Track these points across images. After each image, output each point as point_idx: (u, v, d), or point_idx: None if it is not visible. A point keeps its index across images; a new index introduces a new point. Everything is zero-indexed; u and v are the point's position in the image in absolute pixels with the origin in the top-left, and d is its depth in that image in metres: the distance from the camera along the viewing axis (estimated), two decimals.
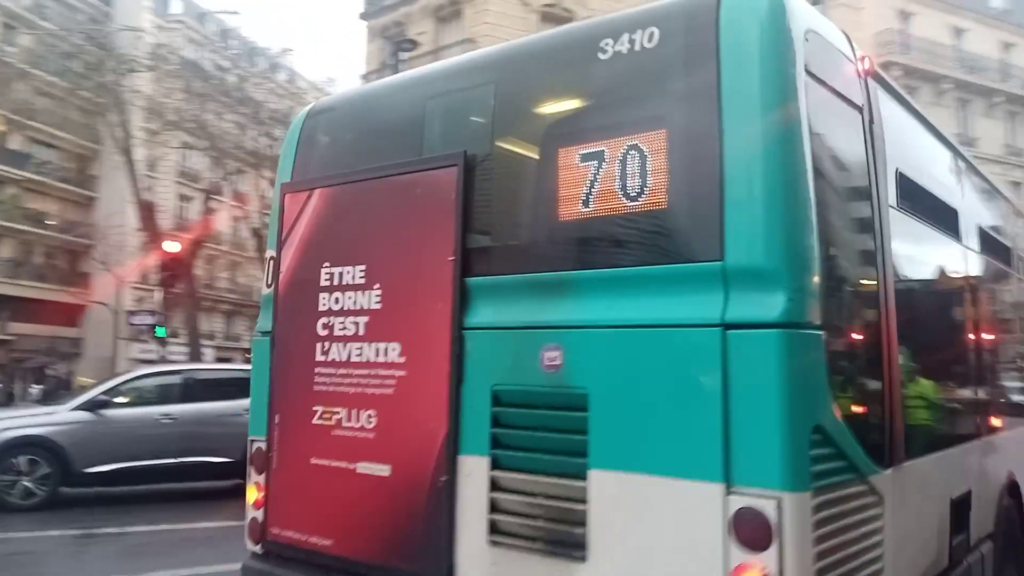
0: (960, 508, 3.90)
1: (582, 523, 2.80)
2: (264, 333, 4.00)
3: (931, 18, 34.50)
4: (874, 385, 3.09)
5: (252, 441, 3.94)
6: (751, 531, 2.48)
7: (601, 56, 3.07)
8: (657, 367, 2.75)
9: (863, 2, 32.03)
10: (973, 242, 4.76)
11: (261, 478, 3.82)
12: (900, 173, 3.45)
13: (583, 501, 2.81)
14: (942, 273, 4.38)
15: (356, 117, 4.08)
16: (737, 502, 2.51)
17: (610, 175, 2.94)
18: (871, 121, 3.25)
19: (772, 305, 2.55)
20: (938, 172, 4.39)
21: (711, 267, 2.67)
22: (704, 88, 2.78)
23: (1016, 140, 36.34)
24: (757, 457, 2.50)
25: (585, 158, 3.02)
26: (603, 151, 2.97)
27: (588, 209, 3.01)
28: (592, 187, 3.00)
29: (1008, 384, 5.60)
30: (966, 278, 4.63)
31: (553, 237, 3.18)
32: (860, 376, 3.09)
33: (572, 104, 3.29)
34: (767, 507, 2.45)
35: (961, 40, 35.18)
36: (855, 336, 3.14)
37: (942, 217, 4.24)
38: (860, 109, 3.20)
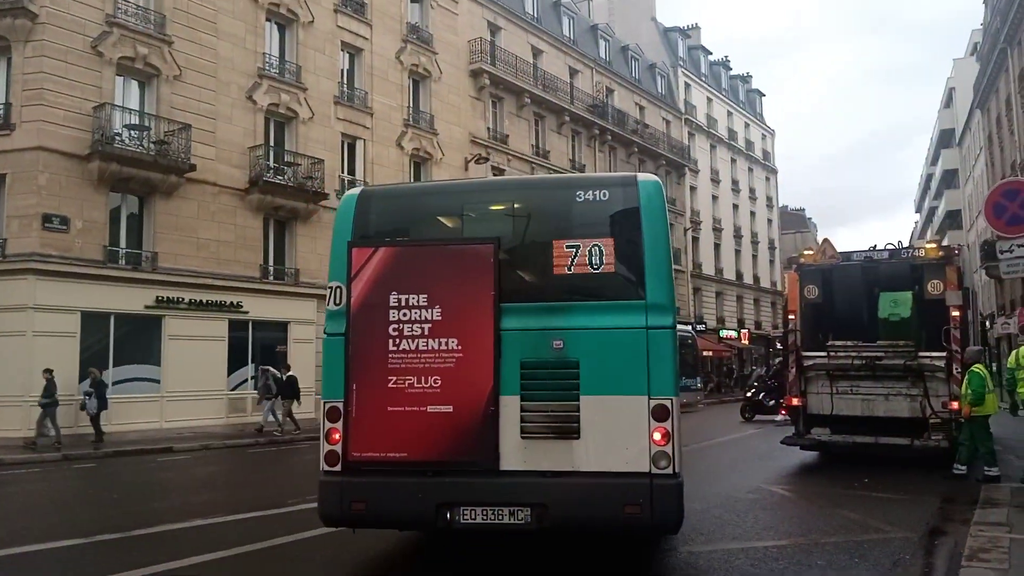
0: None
1: (577, 421, 5.86)
2: (334, 334, 6.26)
3: (516, 35, 36.77)
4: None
5: (326, 402, 6.21)
6: (661, 413, 5.79)
7: (578, 199, 6.22)
8: (615, 347, 5.92)
9: (459, 8, 32.93)
10: None
11: (337, 424, 6.12)
12: None
13: (577, 411, 5.87)
14: None
15: (410, 204, 6.92)
16: (654, 402, 5.81)
17: (584, 255, 6.03)
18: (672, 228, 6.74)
19: (666, 319, 5.97)
20: None
21: (640, 302, 5.97)
22: (634, 221, 6.08)
23: (577, 156, 40.53)
24: (662, 383, 5.84)
25: (570, 246, 6.06)
26: (580, 243, 6.06)
27: (570, 271, 6.06)
28: (573, 260, 6.05)
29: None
30: None
31: (552, 285, 6.13)
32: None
33: (562, 220, 6.29)
34: (667, 403, 5.82)
35: (539, 60, 38.11)
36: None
37: None
38: (670, 226, 7.61)
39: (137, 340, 21.69)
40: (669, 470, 5.73)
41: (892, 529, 8.22)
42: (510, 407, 5.92)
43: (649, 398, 5.79)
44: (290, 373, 21.95)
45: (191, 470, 14.89)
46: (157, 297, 21.73)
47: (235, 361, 23.85)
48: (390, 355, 6.08)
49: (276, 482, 13.59)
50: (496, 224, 6.45)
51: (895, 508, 9.43)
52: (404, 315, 6.10)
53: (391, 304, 6.13)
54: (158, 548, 7.65)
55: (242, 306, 23.78)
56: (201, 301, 22.75)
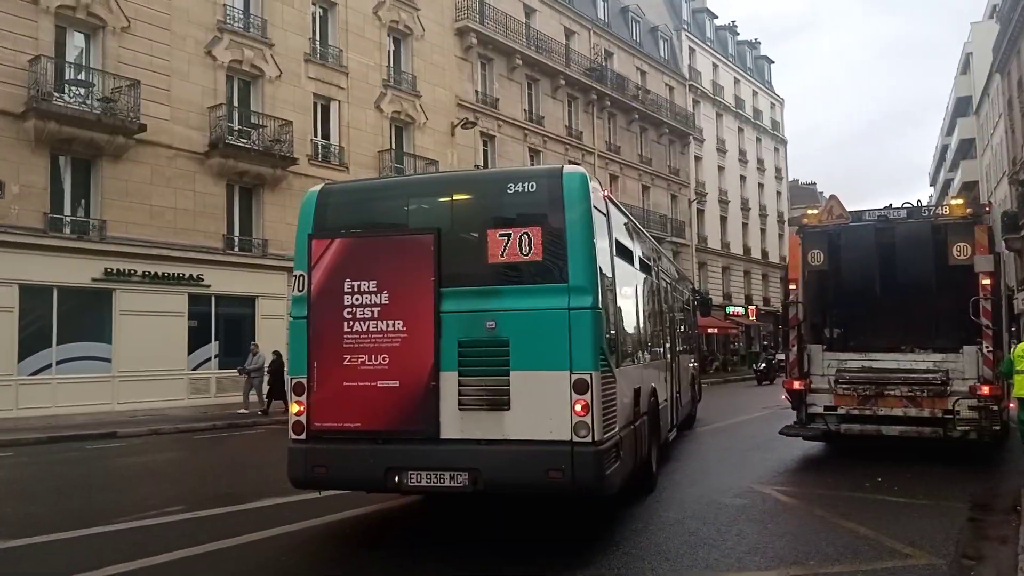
0: (636, 393, 8.34)
1: (507, 394, 6.38)
2: (299, 317, 6.95)
3: None
4: (611, 333, 7.06)
5: (292, 378, 6.96)
6: (581, 386, 6.22)
7: (508, 192, 6.79)
8: (541, 326, 6.40)
9: None
10: (646, 269, 10.29)
11: (302, 398, 6.81)
12: (617, 240, 7.89)
13: (507, 384, 6.39)
14: (635, 285, 9.27)
15: (361, 199, 7.69)
16: (575, 376, 6.24)
17: (514, 243, 6.53)
18: (606, 216, 7.43)
19: (587, 301, 6.39)
20: (627, 234, 8.91)
21: (563, 286, 6.42)
22: (558, 210, 6.57)
23: (574, 122, 38.47)
24: (582, 359, 6.26)
25: (502, 235, 6.58)
26: (510, 232, 6.57)
27: (503, 258, 6.57)
28: (505, 248, 6.55)
29: (660, 342, 11.50)
30: (645, 289, 10.14)
31: (486, 270, 6.63)
32: (609, 331, 6.96)
33: (495, 211, 6.85)
34: (587, 376, 6.23)
35: (532, 19, 35.98)
36: (607, 313, 6.93)
37: (631, 257, 9.06)
38: (604, 214, 7.32)
39: (85, 316, 20.00)
40: (589, 438, 6.24)
41: (912, 551, 6.41)
42: (449, 382, 6.54)
43: (571, 373, 6.30)
44: None
45: (124, 459, 13.21)
46: (106, 269, 20.00)
47: (197, 338, 22.15)
48: (345, 336, 6.77)
49: (215, 474, 11.89)
50: (437, 216, 7.02)
51: (915, 518, 7.62)
52: (356, 300, 6.78)
53: (345, 290, 6.81)
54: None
55: (203, 279, 22.04)
56: (156, 274, 21.01)
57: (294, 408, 6.86)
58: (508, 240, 6.53)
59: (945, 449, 11.10)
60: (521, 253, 6.50)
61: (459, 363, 6.50)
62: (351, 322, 6.73)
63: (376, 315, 6.69)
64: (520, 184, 6.75)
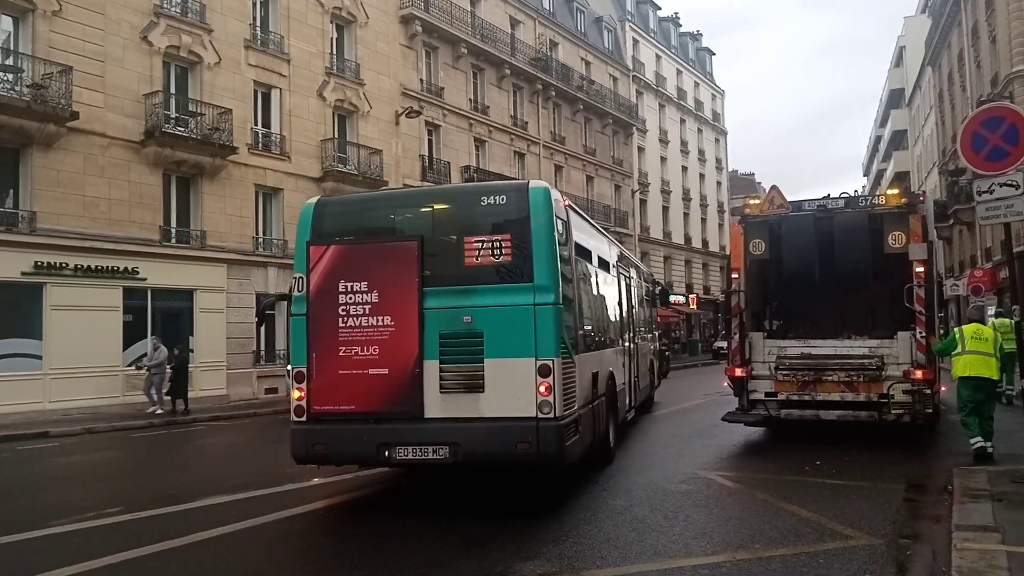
0: (595, 377, 9.25)
1: (481, 378, 7.38)
2: (299, 314, 7.90)
3: None
4: (571, 325, 8.06)
5: (293, 368, 7.90)
6: (544, 371, 7.27)
7: (482, 203, 7.82)
8: (510, 320, 7.38)
9: None
10: (604, 266, 11.29)
11: (302, 385, 7.75)
12: (577, 243, 8.79)
13: (482, 370, 7.38)
14: (594, 281, 10.29)
15: (353, 210, 8.66)
16: (540, 362, 7.28)
17: (487, 248, 7.56)
18: (567, 223, 8.34)
19: (549, 297, 7.45)
20: (587, 236, 9.92)
21: (529, 284, 7.44)
22: (524, 220, 7.56)
23: (519, 112, 38.44)
24: (545, 347, 7.32)
25: (476, 241, 7.59)
26: (484, 239, 7.59)
27: (477, 261, 7.57)
28: (479, 253, 7.57)
29: (618, 331, 12.29)
30: (604, 284, 11.20)
31: (463, 272, 7.59)
32: (569, 323, 7.93)
33: (470, 220, 7.80)
34: (549, 362, 7.30)
35: (477, 8, 35.82)
36: (568, 308, 7.91)
37: (591, 256, 10.04)
38: (565, 221, 8.24)
39: (14, 311, 19.21)
40: (551, 415, 7.26)
41: (852, 533, 6.60)
42: (431, 369, 7.51)
43: (536, 359, 7.29)
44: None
45: (58, 460, 12.78)
46: (36, 262, 19.25)
47: (132, 334, 21.50)
48: (340, 330, 7.69)
49: (145, 476, 11.58)
50: (421, 224, 7.94)
51: (854, 500, 7.84)
52: (350, 299, 7.71)
53: (340, 290, 7.74)
54: None
55: (139, 272, 21.38)
56: (89, 267, 20.30)
57: (295, 394, 7.80)
58: (482, 246, 7.58)
59: (881, 432, 11.45)
60: (493, 257, 7.54)
61: (440, 352, 7.51)
62: (345, 318, 7.69)
63: (367, 312, 7.66)
64: (492, 197, 7.78)
